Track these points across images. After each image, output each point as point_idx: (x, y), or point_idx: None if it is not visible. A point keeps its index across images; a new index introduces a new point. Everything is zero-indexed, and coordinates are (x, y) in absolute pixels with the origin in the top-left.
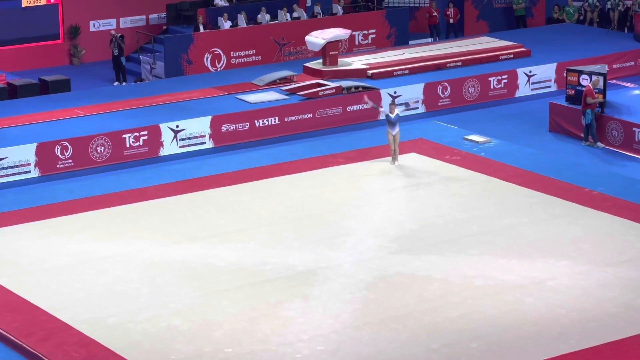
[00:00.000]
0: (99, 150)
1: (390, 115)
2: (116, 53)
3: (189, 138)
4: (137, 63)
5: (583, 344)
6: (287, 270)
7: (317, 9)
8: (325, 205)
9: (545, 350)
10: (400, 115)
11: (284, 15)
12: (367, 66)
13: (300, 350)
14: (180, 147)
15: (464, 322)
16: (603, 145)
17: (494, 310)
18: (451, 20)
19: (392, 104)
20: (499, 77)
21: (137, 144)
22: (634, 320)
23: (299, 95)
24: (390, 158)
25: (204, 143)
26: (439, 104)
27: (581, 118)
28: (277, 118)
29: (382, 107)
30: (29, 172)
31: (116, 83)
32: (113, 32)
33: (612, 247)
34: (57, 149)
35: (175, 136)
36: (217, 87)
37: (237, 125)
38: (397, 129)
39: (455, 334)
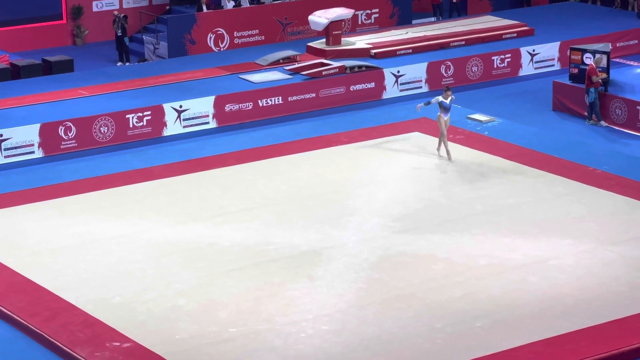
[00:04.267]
0: (102, 131)
1: (445, 101)
2: (119, 33)
3: (193, 118)
4: (141, 43)
5: (587, 323)
6: (292, 250)
7: None
8: (329, 184)
9: (549, 329)
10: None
11: None
12: (370, 45)
13: (305, 330)
14: (184, 127)
15: (468, 302)
16: (606, 124)
17: (498, 290)
18: (454, 0)
19: (447, 89)
20: (502, 56)
21: (141, 124)
22: (638, 299)
23: (302, 74)
24: (437, 144)
25: (208, 123)
26: (443, 83)
27: (585, 97)
28: (280, 98)
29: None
30: (32, 152)
31: (119, 63)
32: (116, 12)
33: (616, 225)
34: (61, 129)
35: (179, 116)
36: (220, 67)
37: (240, 105)
38: (449, 115)
39: (460, 313)
